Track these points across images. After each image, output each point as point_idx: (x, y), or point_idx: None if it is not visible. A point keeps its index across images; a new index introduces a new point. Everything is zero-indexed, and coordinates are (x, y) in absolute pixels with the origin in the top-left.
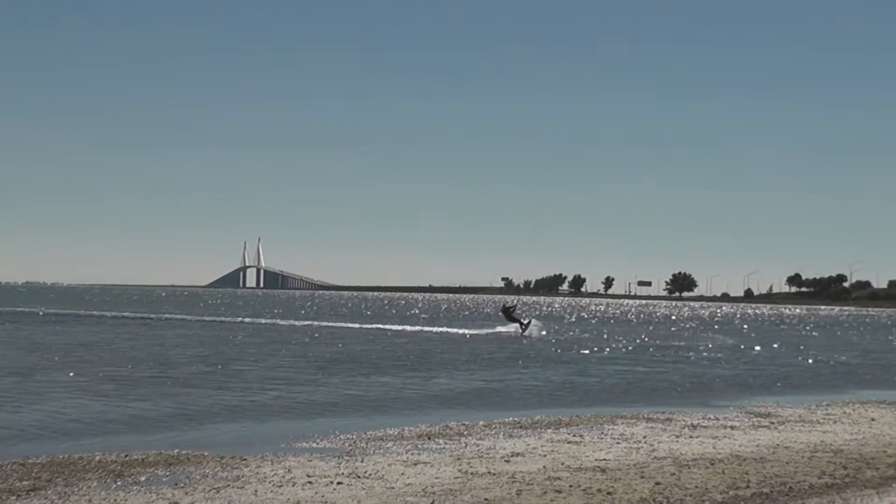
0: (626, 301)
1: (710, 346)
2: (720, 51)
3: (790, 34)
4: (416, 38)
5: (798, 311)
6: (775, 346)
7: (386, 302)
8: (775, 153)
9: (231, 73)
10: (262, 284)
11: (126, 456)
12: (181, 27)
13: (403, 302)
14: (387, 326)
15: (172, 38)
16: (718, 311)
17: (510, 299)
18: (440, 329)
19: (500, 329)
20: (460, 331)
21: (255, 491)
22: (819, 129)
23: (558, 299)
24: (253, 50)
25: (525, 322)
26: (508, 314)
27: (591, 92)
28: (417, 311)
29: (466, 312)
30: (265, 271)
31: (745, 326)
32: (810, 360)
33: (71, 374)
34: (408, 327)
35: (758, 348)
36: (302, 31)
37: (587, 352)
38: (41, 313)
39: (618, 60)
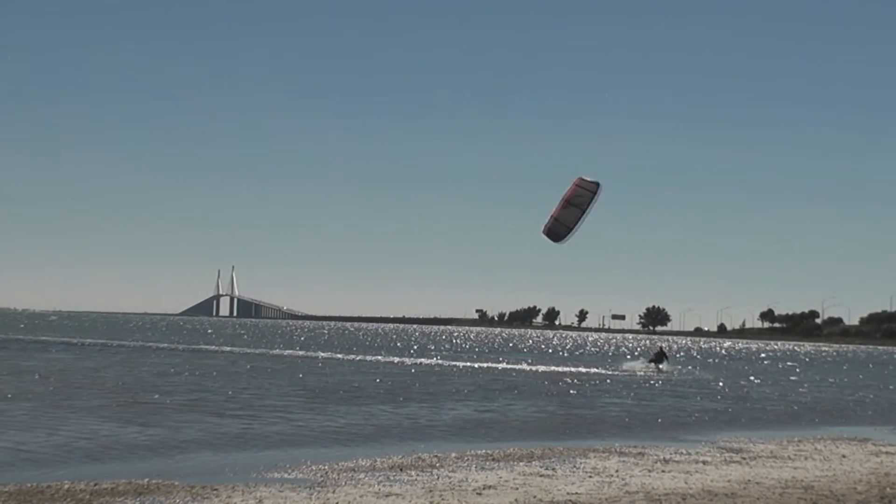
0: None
1: (685, 379)
2: (694, 97)
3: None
4: (394, 79)
5: (776, 346)
6: (750, 380)
7: (364, 333)
8: (749, 190)
9: (208, 106)
10: (235, 313)
11: (95, 485)
12: (167, 62)
13: (385, 333)
14: (369, 357)
15: (155, 70)
16: (694, 345)
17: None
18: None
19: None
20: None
21: None
22: (792, 167)
23: (531, 332)
24: (233, 85)
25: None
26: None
27: (565, 130)
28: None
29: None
30: (239, 300)
31: (720, 361)
32: (785, 395)
33: (50, 401)
34: (393, 359)
35: (729, 383)
36: (278, 74)
37: (568, 381)
38: (29, 339)
39: (599, 107)
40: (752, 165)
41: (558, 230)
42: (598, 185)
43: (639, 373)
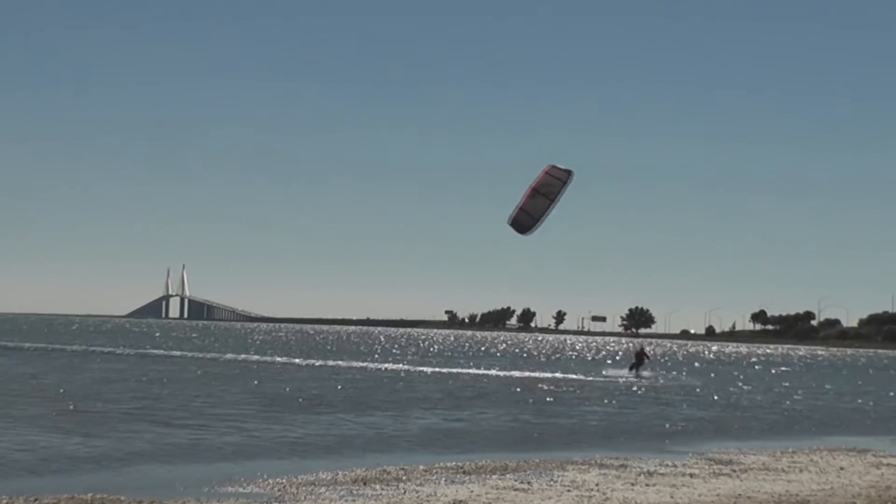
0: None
1: (671, 386)
2: (681, 88)
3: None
4: (354, 73)
5: (769, 350)
6: (741, 387)
7: (324, 336)
8: (739, 184)
9: (154, 96)
10: (185, 315)
11: (35, 500)
12: (110, 50)
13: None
14: (329, 363)
15: (95, 57)
16: (680, 349)
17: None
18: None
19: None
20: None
21: None
22: (786, 158)
23: (505, 335)
24: (178, 75)
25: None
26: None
27: (541, 120)
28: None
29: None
30: (189, 301)
31: (708, 365)
32: (779, 403)
33: None
34: (356, 364)
35: (718, 390)
36: (226, 65)
37: (545, 388)
38: None
39: (579, 98)
40: (742, 157)
41: (525, 221)
42: (570, 173)
43: (621, 379)
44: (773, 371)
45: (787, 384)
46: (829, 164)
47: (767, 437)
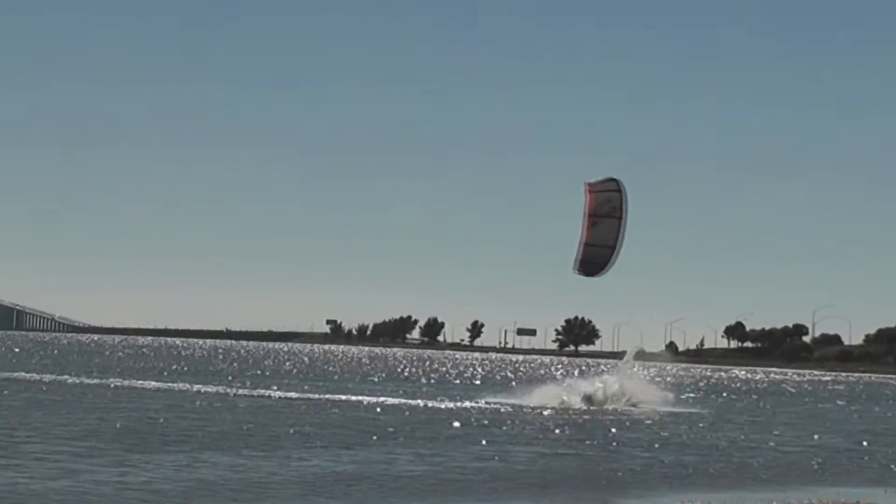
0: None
1: (623, 419)
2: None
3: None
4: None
5: (749, 373)
6: (713, 421)
7: (172, 352)
8: (709, 161)
9: None
10: None
11: None
12: None
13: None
14: (181, 386)
15: None
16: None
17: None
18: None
19: None
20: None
21: None
22: (771, 130)
23: (405, 352)
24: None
25: None
26: None
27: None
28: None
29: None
30: None
31: (671, 393)
32: (762, 443)
33: None
34: (215, 388)
35: (684, 425)
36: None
37: (458, 422)
38: None
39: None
40: (718, 128)
41: (597, 256)
42: (617, 182)
43: (559, 409)
44: (759, 402)
45: (771, 418)
46: (827, 141)
47: (746, 486)
